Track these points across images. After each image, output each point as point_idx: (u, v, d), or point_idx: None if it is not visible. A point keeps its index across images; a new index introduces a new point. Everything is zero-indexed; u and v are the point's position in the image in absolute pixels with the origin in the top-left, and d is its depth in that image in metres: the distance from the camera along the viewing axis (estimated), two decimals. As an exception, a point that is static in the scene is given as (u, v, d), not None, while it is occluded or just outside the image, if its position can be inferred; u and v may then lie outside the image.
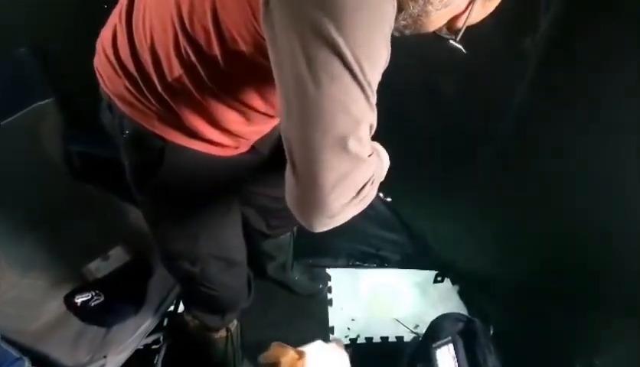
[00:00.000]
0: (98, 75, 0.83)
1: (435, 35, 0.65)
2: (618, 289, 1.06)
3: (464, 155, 1.40)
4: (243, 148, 0.88)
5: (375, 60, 0.51)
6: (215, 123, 0.76)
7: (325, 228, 0.60)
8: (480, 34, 0.95)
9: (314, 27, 0.46)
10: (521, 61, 1.13)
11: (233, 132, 0.79)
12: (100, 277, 1.31)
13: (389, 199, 1.68)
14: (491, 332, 1.24)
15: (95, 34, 1.22)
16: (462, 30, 0.63)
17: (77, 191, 1.40)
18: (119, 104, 0.78)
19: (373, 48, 0.50)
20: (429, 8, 0.57)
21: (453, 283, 1.79)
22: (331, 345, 0.96)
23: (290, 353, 0.81)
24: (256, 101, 0.73)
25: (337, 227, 1.42)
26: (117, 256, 1.37)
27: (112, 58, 0.76)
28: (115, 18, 0.78)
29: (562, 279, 1.26)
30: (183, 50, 0.67)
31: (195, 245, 0.97)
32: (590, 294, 1.15)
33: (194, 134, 0.78)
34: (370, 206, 1.71)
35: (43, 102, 1.27)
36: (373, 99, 0.53)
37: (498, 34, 1.12)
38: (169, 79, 0.70)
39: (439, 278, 1.78)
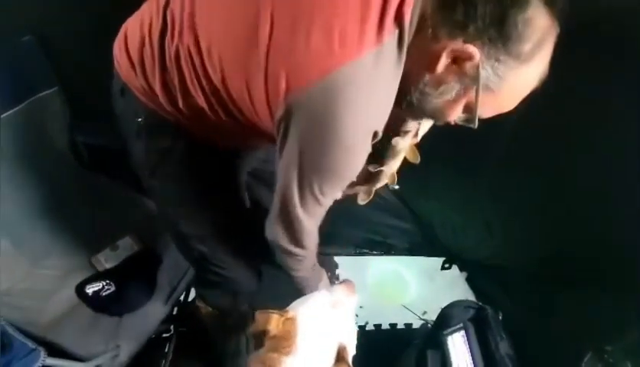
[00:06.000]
0: (115, 59, 0.83)
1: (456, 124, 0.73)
2: (629, 275, 1.06)
3: (472, 143, 1.39)
4: None
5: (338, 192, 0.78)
6: (226, 139, 0.87)
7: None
8: None
9: (308, 182, 0.70)
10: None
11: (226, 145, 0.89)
12: (110, 268, 1.31)
13: (397, 187, 1.67)
14: (500, 318, 1.24)
15: (98, 22, 1.20)
16: (476, 118, 0.67)
17: (85, 181, 1.40)
18: (134, 91, 0.79)
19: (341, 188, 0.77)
20: (427, 97, 0.66)
21: (461, 270, 1.79)
22: (335, 293, 0.89)
23: (274, 317, 0.78)
24: None
25: (345, 215, 1.47)
26: (126, 246, 1.37)
27: (136, 63, 0.78)
28: (145, 28, 0.76)
29: (572, 265, 1.26)
30: (206, 85, 0.72)
31: (204, 225, 0.99)
32: (600, 281, 1.15)
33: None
34: (378, 194, 1.71)
35: (47, 92, 1.26)
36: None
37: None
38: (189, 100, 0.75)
39: (446, 265, 1.79)
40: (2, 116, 1.13)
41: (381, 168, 0.98)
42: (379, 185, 1.06)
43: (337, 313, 0.84)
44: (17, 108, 1.17)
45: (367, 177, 1.03)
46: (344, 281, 0.94)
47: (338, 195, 0.79)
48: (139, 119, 0.81)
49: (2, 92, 1.15)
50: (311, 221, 0.78)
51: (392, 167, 1.01)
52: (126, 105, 0.83)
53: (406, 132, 0.94)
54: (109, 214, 1.41)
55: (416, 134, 0.95)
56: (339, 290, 0.89)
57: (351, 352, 0.82)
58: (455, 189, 1.55)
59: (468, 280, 1.76)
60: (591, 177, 1.11)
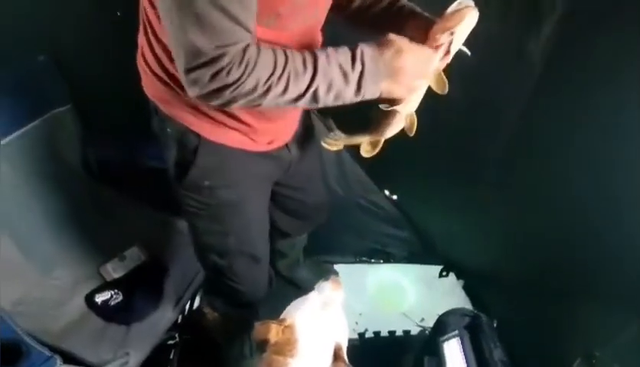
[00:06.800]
0: (142, 81, 0.87)
1: None
2: (618, 282, 1.09)
3: (469, 153, 1.43)
4: (277, 143, 0.92)
5: None
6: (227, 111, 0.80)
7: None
8: (487, 37, 0.97)
9: None
10: (526, 63, 1.15)
11: (244, 121, 0.83)
12: (118, 277, 1.36)
13: (395, 197, 1.72)
14: (495, 325, 1.28)
15: (109, 42, 1.26)
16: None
17: (94, 193, 1.45)
18: (160, 105, 0.84)
19: None
20: None
21: (458, 277, 1.83)
22: (324, 292, 0.92)
23: (273, 326, 0.83)
24: None
25: (344, 224, 1.36)
26: (133, 256, 1.42)
27: (143, 63, 0.83)
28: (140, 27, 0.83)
29: (564, 273, 1.29)
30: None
31: (225, 240, 1.01)
32: (591, 287, 1.19)
33: (221, 125, 0.82)
34: (376, 203, 1.73)
35: (61, 109, 1.32)
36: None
37: (504, 36, 1.15)
38: None
39: (444, 273, 1.82)
40: (19, 131, 1.19)
41: (395, 107, 0.78)
42: (390, 132, 0.84)
43: (329, 313, 0.89)
44: (32, 124, 1.23)
45: (378, 119, 0.82)
46: (330, 278, 0.98)
47: None
48: (168, 130, 0.85)
49: (19, 109, 1.21)
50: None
51: (410, 104, 0.80)
52: (159, 121, 0.87)
53: (435, 48, 0.74)
54: (117, 225, 1.46)
55: (448, 52, 0.75)
56: (327, 287, 0.94)
57: (345, 345, 0.87)
58: (453, 199, 1.59)
59: (465, 287, 1.80)
60: (583, 187, 1.14)
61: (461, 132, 1.38)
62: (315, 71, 0.65)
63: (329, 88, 0.67)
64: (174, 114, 0.82)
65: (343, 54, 0.67)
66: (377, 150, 0.87)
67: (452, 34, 0.73)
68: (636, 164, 1.00)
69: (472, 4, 0.74)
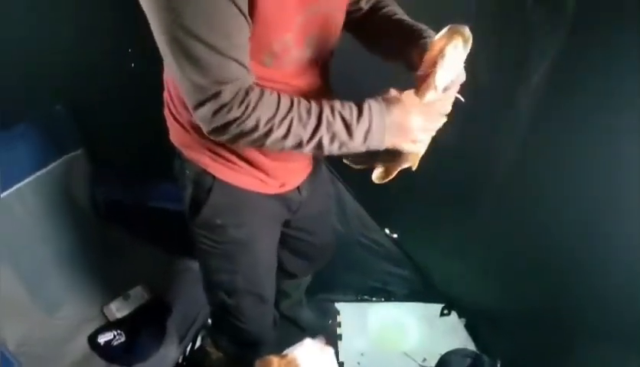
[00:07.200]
0: (169, 129, 0.94)
1: None
2: (619, 320, 1.09)
3: (467, 193, 1.47)
4: (289, 187, 0.97)
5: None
6: (234, 151, 0.85)
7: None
8: (480, 81, 1.02)
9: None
10: (519, 107, 1.21)
11: (254, 161, 0.88)
12: (121, 318, 1.36)
13: (395, 235, 1.75)
14: (499, 366, 1.27)
15: (122, 91, 1.34)
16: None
17: (101, 233, 1.49)
18: (182, 150, 0.90)
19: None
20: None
21: (459, 316, 1.82)
22: (316, 343, 0.95)
23: (274, 360, 0.85)
24: None
25: (346, 263, 1.37)
26: (137, 295, 1.43)
27: (168, 114, 0.90)
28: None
29: (564, 311, 1.30)
30: None
31: (233, 278, 1.04)
32: (591, 325, 1.19)
33: (235, 168, 0.87)
34: (377, 242, 1.74)
35: (73, 153, 1.39)
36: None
37: (497, 81, 1.22)
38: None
39: (445, 312, 1.81)
40: (35, 175, 1.26)
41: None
42: (405, 163, 0.83)
43: (326, 354, 0.92)
44: (46, 168, 1.30)
45: (389, 151, 0.81)
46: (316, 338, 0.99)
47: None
48: (187, 171, 0.91)
49: (35, 154, 1.28)
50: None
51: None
52: (179, 165, 0.93)
53: (424, 78, 0.71)
54: (123, 264, 1.49)
55: (435, 87, 0.71)
56: (319, 338, 0.97)
57: None
58: (452, 238, 1.61)
59: (467, 326, 1.79)
60: (582, 226, 1.16)
61: (459, 173, 1.43)
62: (318, 122, 0.68)
63: (332, 139, 0.70)
64: (192, 157, 0.89)
65: (348, 109, 0.70)
66: (390, 178, 0.87)
67: (434, 64, 0.68)
68: (632, 204, 1.02)
69: (463, 29, 0.68)
